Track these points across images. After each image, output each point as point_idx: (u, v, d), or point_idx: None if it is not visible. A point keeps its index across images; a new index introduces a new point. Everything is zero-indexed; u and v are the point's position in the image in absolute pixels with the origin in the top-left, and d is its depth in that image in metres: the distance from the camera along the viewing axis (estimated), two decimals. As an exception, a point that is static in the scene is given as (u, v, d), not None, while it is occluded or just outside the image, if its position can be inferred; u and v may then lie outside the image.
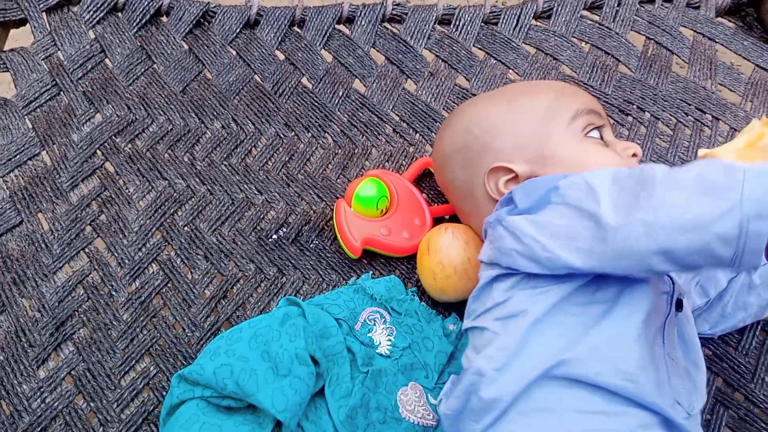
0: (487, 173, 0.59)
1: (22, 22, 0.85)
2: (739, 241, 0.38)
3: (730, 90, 0.84)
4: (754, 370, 0.63)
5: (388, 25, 0.90)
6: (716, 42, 0.89)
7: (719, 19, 0.92)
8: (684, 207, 0.41)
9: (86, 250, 0.68)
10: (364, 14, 0.89)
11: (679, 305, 0.54)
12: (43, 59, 0.82)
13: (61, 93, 0.79)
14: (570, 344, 0.47)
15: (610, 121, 0.66)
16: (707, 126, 0.80)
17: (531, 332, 0.48)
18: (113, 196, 0.72)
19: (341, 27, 0.89)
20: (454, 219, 0.71)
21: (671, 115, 0.81)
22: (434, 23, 0.89)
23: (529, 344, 0.48)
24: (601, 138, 0.60)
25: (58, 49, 0.83)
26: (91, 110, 0.78)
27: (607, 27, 0.89)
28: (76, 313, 0.64)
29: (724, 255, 0.39)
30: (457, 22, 0.89)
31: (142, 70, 0.83)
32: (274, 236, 0.71)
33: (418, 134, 0.79)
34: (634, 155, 0.60)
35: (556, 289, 0.49)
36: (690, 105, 0.82)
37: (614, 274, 0.47)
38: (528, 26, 0.90)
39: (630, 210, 0.43)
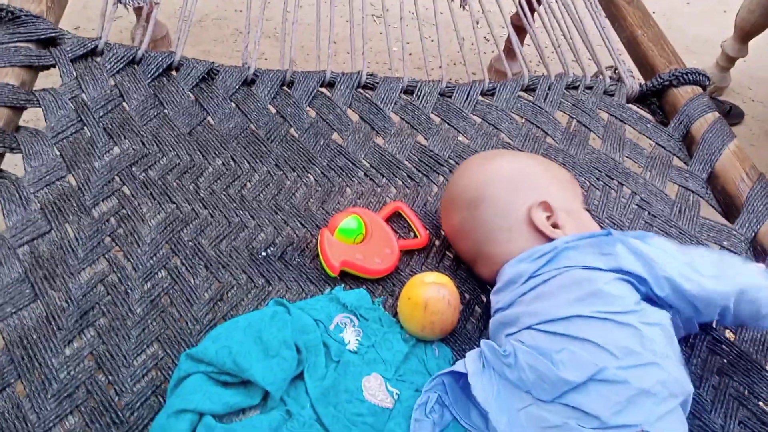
0: (539, 203, 0.78)
1: (50, 66, 1.00)
2: None
3: (634, 161, 1.04)
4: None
5: (362, 91, 1.08)
6: (625, 123, 1.10)
7: (629, 105, 1.14)
8: None
9: (106, 256, 0.81)
10: (343, 81, 1.07)
11: None
12: (69, 99, 0.96)
13: (85, 128, 0.94)
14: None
15: None
16: (613, 189, 0.99)
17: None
18: (129, 214, 0.85)
19: (323, 89, 1.07)
20: (419, 252, 0.88)
21: (585, 179, 1.00)
22: (400, 92, 1.08)
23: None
24: None
25: (83, 92, 0.98)
26: (111, 143, 0.93)
27: (539, 106, 1.10)
28: (98, 306, 0.76)
29: None
30: (419, 93, 1.09)
31: (155, 113, 0.98)
32: (263, 253, 0.85)
33: (384, 178, 0.97)
34: None
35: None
36: (601, 172, 1.01)
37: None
38: (476, 101, 1.10)
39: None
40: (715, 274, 0.71)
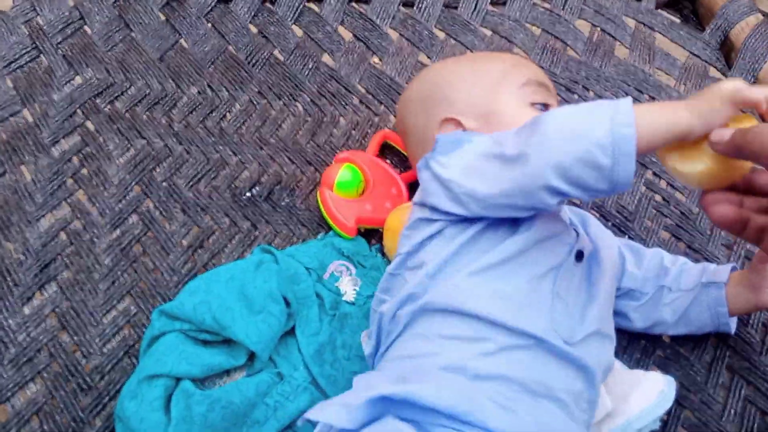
0: (441, 122, 0.65)
1: (0, -12, 0.88)
2: (614, 146, 0.45)
3: (666, 73, 0.92)
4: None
5: (356, 5, 0.95)
6: (655, 31, 0.98)
7: (659, 10, 1.01)
8: (566, 122, 0.48)
9: (68, 200, 0.72)
10: (333, -6, 0.95)
11: (579, 256, 0.58)
12: (22, 23, 0.85)
13: (41, 55, 0.83)
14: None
15: (558, 99, 0.72)
16: (644, 105, 0.88)
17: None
18: (94, 152, 0.76)
19: (311, 5, 0.94)
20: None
21: (613, 94, 0.89)
22: (399, 5, 0.95)
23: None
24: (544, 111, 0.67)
25: (38, 15, 0.86)
26: (71, 72, 0.82)
27: (557, 14, 0.97)
28: (60, 257, 0.68)
29: (603, 162, 0.45)
30: (420, 5, 0.96)
31: (121, 37, 0.87)
32: (248, 194, 0.76)
33: (382, 106, 0.85)
34: None
35: (460, 235, 0.55)
36: (629, 86, 0.90)
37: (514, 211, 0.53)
38: (485, 11, 0.97)
39: (527, 138, 0.49)
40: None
